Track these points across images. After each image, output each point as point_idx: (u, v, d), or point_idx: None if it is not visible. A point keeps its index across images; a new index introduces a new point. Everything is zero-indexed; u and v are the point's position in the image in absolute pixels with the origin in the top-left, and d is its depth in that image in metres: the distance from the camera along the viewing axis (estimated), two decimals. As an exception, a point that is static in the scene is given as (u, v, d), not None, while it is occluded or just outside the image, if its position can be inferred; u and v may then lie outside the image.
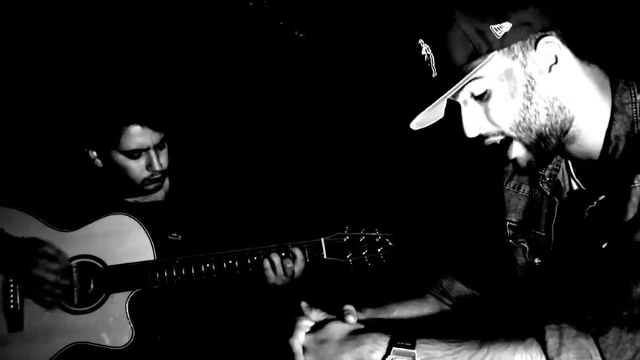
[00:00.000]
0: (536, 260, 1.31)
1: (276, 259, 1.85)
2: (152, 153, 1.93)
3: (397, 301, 1.48)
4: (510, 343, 1.02)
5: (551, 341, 0.99)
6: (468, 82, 1.11)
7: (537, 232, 1.31)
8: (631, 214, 1.05)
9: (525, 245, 1.33)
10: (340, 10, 2.56)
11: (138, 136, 1.90)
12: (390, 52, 2.14)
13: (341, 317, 1.18)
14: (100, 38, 2.57)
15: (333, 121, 2.63)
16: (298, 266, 1.86)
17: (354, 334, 1.12)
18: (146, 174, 1.95)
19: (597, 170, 1.18)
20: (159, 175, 1.97)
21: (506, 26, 1.08)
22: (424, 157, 2.40)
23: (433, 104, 1.11)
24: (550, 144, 1.15)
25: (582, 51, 1.14)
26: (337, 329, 1.14)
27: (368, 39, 2.46)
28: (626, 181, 1.07)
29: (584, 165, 1.22)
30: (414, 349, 1.04)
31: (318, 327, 1.17)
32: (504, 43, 1.09)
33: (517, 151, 1.17)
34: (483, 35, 1.08)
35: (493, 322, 1.36)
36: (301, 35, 2.64)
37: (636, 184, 1.05)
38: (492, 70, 1.10)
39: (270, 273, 1.86)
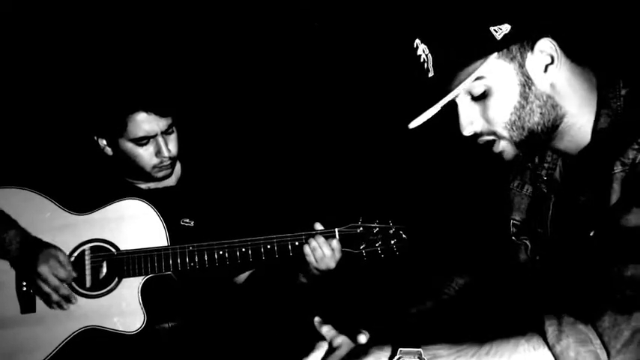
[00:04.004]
0: (537, 257, 1.35)
1: (313, 242, 1.84)
2: (160, 139, 1.92)
3: (411, 303, 1.51)
4: (512, 337, 1.06)
5: (551, 329, 1.03)
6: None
7: (539, 230, 1.36)
8: (614, 199, 1.11)
9: (527, 243, 1.38)
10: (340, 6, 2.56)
11: (144, 122, 1.88)
12: (389, 50, 2.15)
13: (352, 336, 1.19)
14: (106, 25, 2.56)
15: (349, 112, 2.62)
16: (336, 256, 1.85)
17: (357, 349, 1.14)
18: (155, 161, 1.95)
19: (580, 161, 1.23)
20: (168, 162, 1.97)
21: (506, 28, 1.11)
22: (438, 154, 2.40)
23: (435, 106, 1.14)
24: (539, 139, 1.20)
25: (573, 51, 1.20)
26: (345, 351, 1.16)
27: (381, 28, 2.45)
28: (606, 168, 1.12)
29: (574, 160, 1.27)
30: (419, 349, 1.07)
31: (330, 351, 1.18)
32: (504, 44, 1.12)
33: (503, 146, 1.21)
34: (483, 36, 1.12)
35: (495, 318, 1.39)
36: (316, 24, 2.62)
37: (616, 171, 1.11)
38: (491, 71, 1.14)
39: (311, 258, 1.84)
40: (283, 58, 2.67)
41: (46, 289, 1.84)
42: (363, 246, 1.91)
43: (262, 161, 2.54)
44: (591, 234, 1.15)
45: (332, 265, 1.86)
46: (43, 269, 1.81)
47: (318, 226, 1.89)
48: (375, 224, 1.93)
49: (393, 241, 1.92)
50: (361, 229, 1.92)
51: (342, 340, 1.18)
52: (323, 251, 1.84)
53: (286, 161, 2.66)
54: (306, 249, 1.85)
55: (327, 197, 2.50)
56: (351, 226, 1.92)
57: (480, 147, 1.25)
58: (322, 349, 1.19)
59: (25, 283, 1.89)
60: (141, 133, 1.89)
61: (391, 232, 1.92)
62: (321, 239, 1.85)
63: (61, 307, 1.87)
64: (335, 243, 1.86)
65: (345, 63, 2.60)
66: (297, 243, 1.88)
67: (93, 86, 2.07)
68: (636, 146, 1.09)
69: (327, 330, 1.22)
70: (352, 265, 1.94)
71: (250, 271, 2.11)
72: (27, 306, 1.89)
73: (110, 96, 1.92)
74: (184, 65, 2.61)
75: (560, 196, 1.32)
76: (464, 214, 2.13)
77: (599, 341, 1.01)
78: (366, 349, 1.12)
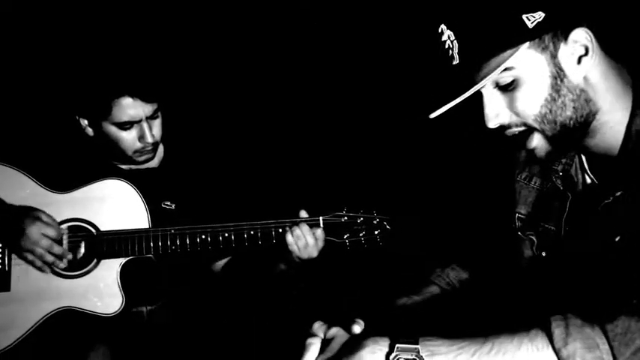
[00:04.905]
0: (543, 253, 1.30)
1: (296, 230, 1.82)
2: (144, 125, 1.88)
3: (400, 293, 1.48)
4: (515, 335, 1.00)
5: (558, 331, 0.97)
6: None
7: (547, 226, 1.31)
8: None
9: (533, 238, 1.33)
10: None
11: (129, 108, 1.84)
12: (402, 37, 2.12)
13: (346, 326, 1.12)
14: (101, 10, 2.50)
15: (341, 101, 2.60)
16: (319, 244, 1.84)
17: (352, 341, 1.08)
18: (138, 145, 1.91)
19: (614, 165, 1.17)
20: (150, 147, 1.94)
21: (540, 16, 1.06)
22: (436, 144, 2.40)
23: (462, 96, 1.08)
24: (572, 136, 1.15)
25: (610, 47, 1.14)
26: (339, 343, 1.09)
27: (376, 21, 2.43)
28: None
29: (599, 160, 1.22)
30: (417, 344, 1.01)
31: (324, 345, 1.11)
32: (536, 33, 1.07)
33: (537, 141, 1.16)
34: (515, 24, 1.06)
35: (497, 315, 1.35)
36: (315, 23, 2.59)
37: None
38: (522, 61, 1.09)
39: (294, 247, 1.82)
40: (268, 44, 2.64)
41: (39, 250, 1.79)
42: (347, 235, 1.90)
43: (247, 147, 2.52)
44: (617, 239, 1.11)
45: (314, 254, 1.85)
46: (32, 230, 1.77)
47: (303, 214, 1.88)
48: (360, 214, 1.92)
49: (376, 232, 1.91)
50: (345, 218, 1.91)
51: (335, 331, 1.12)
52: (306, 240, 1.82)
53: (272, 148, 2.64)
54: (289, 237, 1.82)
55: (312, 185, 2.49)
56: (336, 215, 1.91)
57: (492, 137, 1.19)
58: (316, 345, 1.11)
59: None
60: (125, 118, 1.86)
61: (375, 222, 1.92)
62: (305, 227, 1.83)
63: (56, 266, 1.83)
64: (319, 232, 1.85)
65: (332, 51, 2.58)
66: (280, 230, 1.86)
67: (80, 68, 2.02)
68: None
69: (317, 326, 1.14)
70: (336, 256, 1.94)
71: (228, 258, 2.09)
72: (1, 284, 1.84)
73: (97, 79, 1.88)
74: (172, 50, 2.57)
75: (582, 195, 1.26)
76: (464, 205, 2.13)
77: (606, 346, 0.96)
78: (361, 341, 1.06)
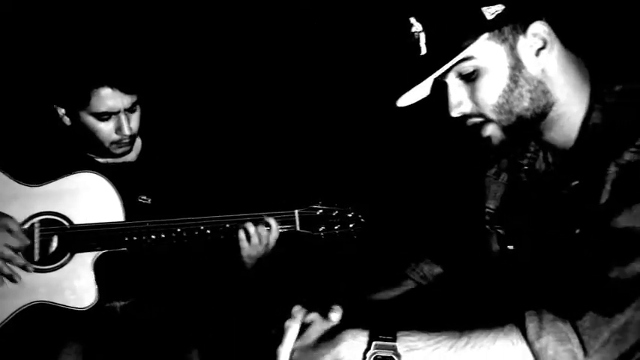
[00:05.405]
0: (510, 247, 1.34)
1: (251, 228, 1.84)
2: (122, 116, 1.88)
3: (375, 287, 1.50)
4: (490, 330, 1.04)
5: (531, 326, 1.01)
6: (458, 62, 1.13)
7: (513, 220, 1.34)
8: (605, 199, 1.09)
9: (501, 232, 1.36)
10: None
11: (108, 98, 1.84)
12: (373, 28, 2.15)
13: (324, 313, 1.14)
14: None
15: (314, 94, 2.62)
16: (273, 235, 1.85)
17: (331, 332, 1.09)
18: (115, 137, 1.90)
19: (571, 157, 1.22)
20: (128, 139, 1.93)
21: (499, 8, 1.11)
22: (408, 138, 2.43)
23: (424, 82, 1.13)
24: (528, 127, 1.19)
25: (568, 38, 1.19)
26: (315, 332, 1.11)
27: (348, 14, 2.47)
28: (600, 167, 1.10)
29: (559, 152, 1.26)
30: (395, 341, 1.03)
31: (302, 330, 1.13)
32: (495, 24, 1.11)
33: (492, 131, 1.19)
34: (476, 15, 1.11)
35: (470, 308, 1.38)
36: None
37: (610, 171, 1.09)
38: (482, 51, 1.13)
39: (244, 243, 1.84)
40: (245, 38, 2.65)
41: None
42: (322, 228, 1.92)
43: (224, 142, 2.52)
44: (577, 231, 1.14)
45: (262, 251, 1.84)
46: None
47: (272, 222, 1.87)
48: (335, 207, 1.94)
49: (351, 225, 1.93)
50: (321, 211, 1.93)
51: (314, 317, 1.13)
52: (260, 238, 1.83)
53: (248, 142, 2.65)
54: (241, 233, 1.84)
55: (288, 179, 2.50)
56: (311, 208, 1.93)
57: (465, 132, 1.23)
58: (294, 328, 1.13)
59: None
60: (103, 108, 1.85)
61: (350, 215, 1.94)
62: (253, 228, 1.84)
63: (13, 280, 1.80)
64: (274, 227, 1.85)
65: (309, 42, 2.60)
66: (257, 224, 1.87)
67: (61, 55, 2.01)
68: (633, 149, 1.07)
69: (297, 309, 1.16)
70: (311, 249, 1.96)
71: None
72: (-30, 280, 1.82)
73: (78, 67, 1.87)
74: (154, 43, 2.56)
75: (543, 188, 1.30)
76: (435, 199, 2.15)
77: (577, 340, 1.00)
78: (340, 334, 1.07)
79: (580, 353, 0.99)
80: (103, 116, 1.86)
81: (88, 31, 2.47)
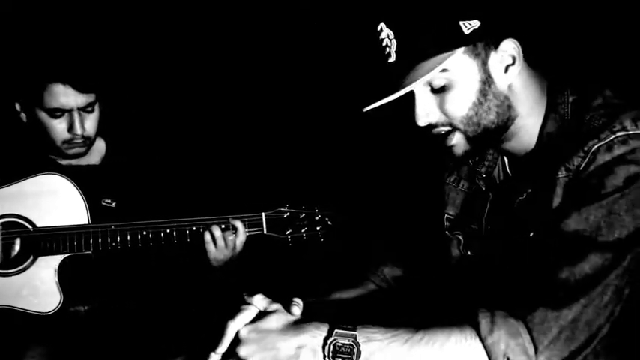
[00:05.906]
0: (469, 252, 1.38)
1: (217, 231, 1.84)
2: (75, 115, 1.86)
3: (338, 288, 1.53)
4: (445, 327, 1.08)
5: (484, 322, 1.06)
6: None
7: (472, 226, 1.38)
8: (556, 204, 1.15)
9: (460, 238, 1.40)
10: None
11: (60, 95, 1.83)
12: (342, 35, 2.17)
13: (286, 307, 1.16)
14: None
15: (283, 98, 2.62)
16: (239, 238, 1.85)
17: (295, 323, 1.13)
18: (67, 136, 1.89)
19: (527, 164, 1.27)
20: (80, 140, 1.91)
21: (475, 24, 1.13)
22: (373, 144, 2.46)
23: (396, 93, 1.13)
24: (490, 138, 1.23)
25: (529, 54, 1.23)
26: (279, 320, 1.13)
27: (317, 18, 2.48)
28: (551, 173, 1.16)
29: (517, 160, 1.31)
30: (355, 331, 1.07)
31: (261, 316, 1.15)
32: (471, 39, 1.14)
33: (457, 140, 1.22)
34: (453, 29, 1.13)
35: (430, 310, 1.41)
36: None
37: (560, 176, 1.15)
38: (456, 64, 1.15)
39: (210, 246, 1.84)
40: (215, 39, 2.64)
41: None
42: (289, 231, 1.93)
43: (190, 145, 2.51)
44: (531, 235, 1.18)
45: (229, 254, 1.84)
46: None
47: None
48: (302, 210, 1.96)
49: (318, 228, 1.95)
50: (288, 214, 1.94)
51: (277, 307, 1.16)
52: (226, 241, 1.83)
53: (215, 145, 2.64)
54: (207, 236, 1.83)
55: (255, 182, 2.50)
56: (278, 211, 1.94)
57: (427, 141, 1.25)
58: (250, 311, 1.15)
59: None
60: (55, 105, 1.83)
61: (317, 218, 1.95)
62: (219, 231, 1.83)
63: None
64: (240, 230, 1.85)
65: (278, 45, 2.61)
66: (223, 226, 1.87)
67: (17, 48, 1.98)
68: (581, 154, 1.13)
69: (259, 298, 1.18)
70: (278, 252, 1.97)
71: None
72: None
73: (31, 61, 1.86)
74: (118, 44, 2.53)
75: (499, 194, 1.34)
76: (397, 205, 2.18)
77: (528, 336, 1.04)
78: (302, 324, 1.11)
79: (531, 348, 1.04)
80: (56, 113, 1.85)
81: (47, 26, 2.44)
